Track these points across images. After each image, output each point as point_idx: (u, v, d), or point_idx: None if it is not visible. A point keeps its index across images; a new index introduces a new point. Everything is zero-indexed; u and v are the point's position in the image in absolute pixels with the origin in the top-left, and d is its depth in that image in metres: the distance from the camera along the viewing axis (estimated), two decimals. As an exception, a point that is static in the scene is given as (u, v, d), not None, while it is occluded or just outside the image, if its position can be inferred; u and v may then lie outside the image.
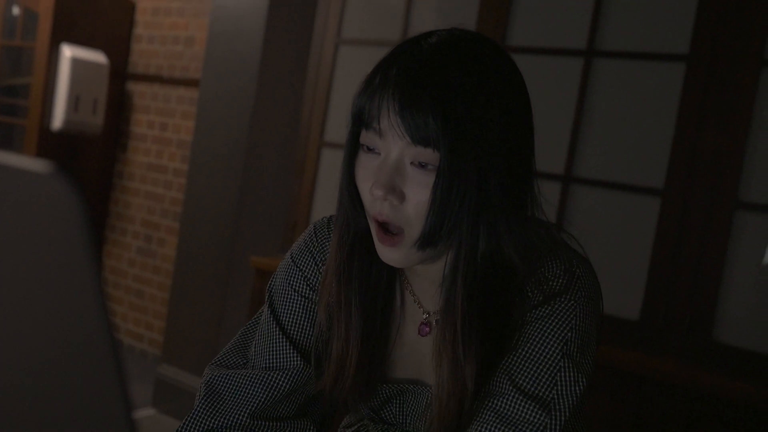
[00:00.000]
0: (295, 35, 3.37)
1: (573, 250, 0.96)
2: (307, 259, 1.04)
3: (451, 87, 0.81)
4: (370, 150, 0.87)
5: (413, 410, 1.02)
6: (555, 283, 0.90)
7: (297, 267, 1.05)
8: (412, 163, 0.84)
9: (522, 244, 0.87)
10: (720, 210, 2.37)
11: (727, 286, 2.38)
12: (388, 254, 0.88)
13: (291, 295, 1.04)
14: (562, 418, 0.87)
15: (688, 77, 2.45)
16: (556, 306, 0.89)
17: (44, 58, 3.94)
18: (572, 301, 0.89)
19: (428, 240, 0.85)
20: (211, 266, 3.39)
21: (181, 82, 4.07)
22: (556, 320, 0.89)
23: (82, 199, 0.38)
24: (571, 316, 0.89)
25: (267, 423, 0.99)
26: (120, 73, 4.29)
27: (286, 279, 1.05)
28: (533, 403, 0.87)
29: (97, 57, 4.05)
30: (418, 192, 0.84)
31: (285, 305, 1.04)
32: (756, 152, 2.35)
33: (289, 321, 1.03)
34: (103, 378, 0.43)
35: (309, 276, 1.04)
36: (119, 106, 4.32)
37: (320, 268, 1.03)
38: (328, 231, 1.05)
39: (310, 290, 1.04)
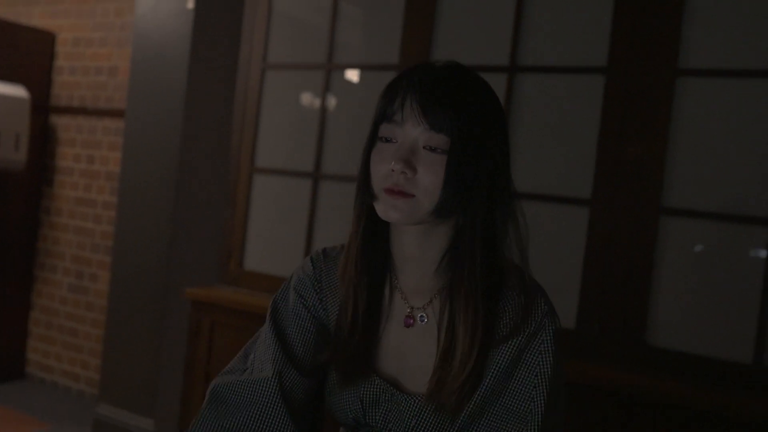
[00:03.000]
0: (220, 62, 3.34)
1: (533, 280, 1.12)
2: (308, 288, 1.19)
3: (461, 91, 1.05)
4: (387, 141, 1.06)
5: (395, 418, 1.12)
6: (525, 318, 1.08)
7: (297, 294, 1.19)
8: (424, 146, 1.04)
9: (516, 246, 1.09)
10: (646, 216, 2.44)
11: (657, 290, 2.44)
12: (393, 212, 1.05)
13: (294, 312, 1.18)
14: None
15: (607, 89, 2.51)
16: (530, 355, 1.07)
17: (-40, 95, 3.81)
18: (543, 345, 1.07)
19: (443, 207, 1.03)
20: (146, 300, 3.31)
21: (107, 113, 3.98)
22: (531, 369, 1.07)
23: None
24: (544, 363, 1.07)
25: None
26: (42, 107, 4.18)
27: (286, 302, 1.20)
28: (514, 418, 1.06)
29: (17, 91, 3.93)
30: (428, 169, 1.03)
31: (288, 320, 1.18)
32: (676, 158, 2.42)
33: (291, 334, 1.17)
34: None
35: (308, 302, 1.19)
36: (43, 141, 4.20)
37: (320, 295, 1.19)
38: (325, 261, 1.21)
39: (307, 312, 1.19)
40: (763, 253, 2.30)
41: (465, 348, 1.04)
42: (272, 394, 1.11)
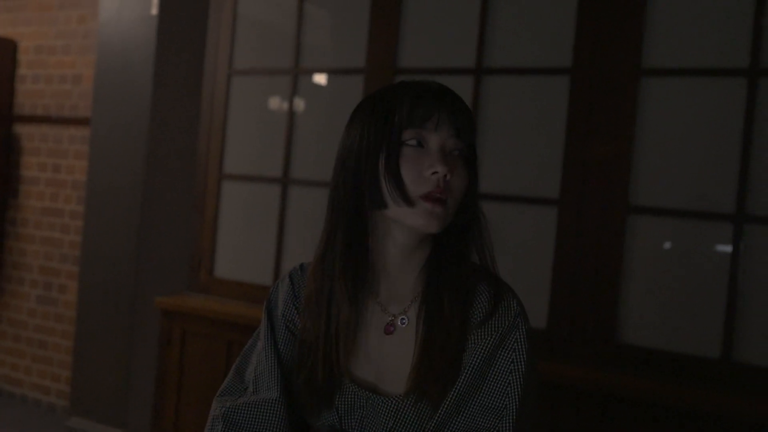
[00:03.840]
0: (186, 68, 3.31)
1: (502, 281, 1.14)
2: (288, 306, 1.21)
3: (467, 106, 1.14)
4: (415, 146, 1.08)
5: (372, 422, 1.12)
6: (496, 307, 1.10)
7: (281, 314, 1.21)
8: (449, 151, 1.09)
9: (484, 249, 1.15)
10: (613, 215, 2.46)
11: (626, 288, 2.46)
12: (433, 219, 1.06)
13: (281, 332, 1.21)
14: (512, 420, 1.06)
15: (573, 89, 2.53)
16: (504, 353, 1.08)
17: None
18: (517, 343, 1.09)
19: (467, 212, 1.11)
20: (115, 310, 3.27)
21: (72, 122, 3.92)
22: (505, 366, 1.08)
23: None
24: (518, 361, 1.08)
25: None
26: (5, 116, 4.10)
27: (276, 318, 1.22)
28: (489, 414, 1.07)
29: (-22, 101, 3.86)
30: (458, 174, 1.08)
31: (278, 338, 1.20)
32: (641, 157, 2.45)
33: (282, 350, 1.19)
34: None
35: (290, 321, 1.21)
36: (7, 150, 4.13)
37: (299, 310, 1.20)
38: (302, 276, 1.23)
39: (289, 332, 1.21)
40: (728, 249, 2.33)
41: (444, 333, 1.07)
42: (281, 415, 1.15)
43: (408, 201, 1.06)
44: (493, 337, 1.08)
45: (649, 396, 2.23)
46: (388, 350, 1.14)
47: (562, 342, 2.50)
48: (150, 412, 3.24)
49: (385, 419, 1.11)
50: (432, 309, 1.10)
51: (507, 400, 1.07)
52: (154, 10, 3.19)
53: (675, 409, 2.20)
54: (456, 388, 1.07)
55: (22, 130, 4.13)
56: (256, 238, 3.24)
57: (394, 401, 1.10)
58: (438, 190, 1.05)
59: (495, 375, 1.08)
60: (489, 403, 1.07)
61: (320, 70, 3.16)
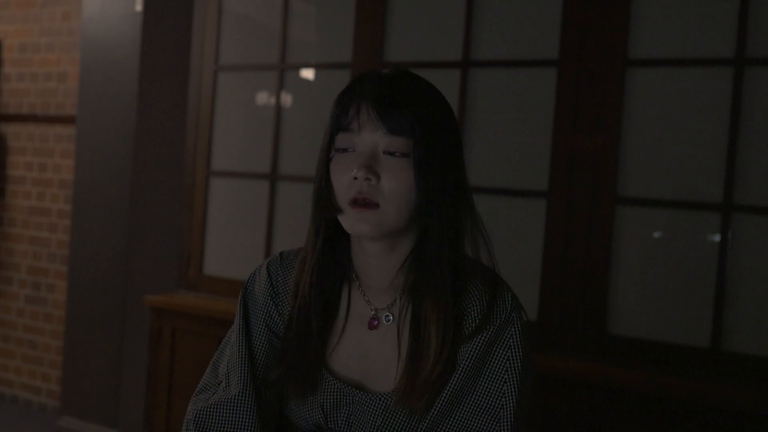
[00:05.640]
0: (171, 64, 3.29)
1: (496, 275, 1.11)
2: (266, 299, 1.18)
3: (414, 93, 1.05)
4: (344, 151, 1.04)
5: (359, 420, 1.09)
6: (490, 313, 1.07)
7: (257, 307, 1.18)
8: (384, 151, 1.02)
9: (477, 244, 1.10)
10: (602, 206, 2.46)
11: (616, 279, 2.46)
12: (362, 224, 1.03)
13: (255, 326, 1.18)
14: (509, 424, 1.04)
15: (560, 81, 2.53)
16: (499, 350, 1.06)
17: None
18: (512, 340, 1.06)
19: (419, 213, 1.04)
20: (105, 309, 3.26)
21: (58, 120, 3.90)
22: (500, 364, 1.06)
23: None
24: (514, 359, 1.06)
25: None
26: (-10, 115, 4.08)
27: (250, 311, 1.19)
28: (485, 415, 1.05)
29: (-38, 100, 3.83)
30: (392, 175, 1.02)
31: (253, 332, 1.17)
32: (629, 147, 2.45)
33: (256, 345, 1.16)
34: None
35: (266, 315, 1.18)
36: (-8, 150, 4.11)
37: (275, 301, 1.17)
38: (281, 266, 1.19)
39: (266, 327, 1.18)
40: (716, 238, 2.33)
41: (436, 347, 1.03)
42: (251, 411, 1.12)
43: (337, 209, 1.05)
44: (488, 332, 1.06)
45: (640, 386, 2.24)
46: (372, 346, 1.12)
47: (553, 333, 2.50)
48: (141, 411, 3.23)
49: (373, 417, 1.08)
50: (417, 311, 1.06)
51: (503, 400, 1.04)
52: (139, 7, 3.17)
53: (665, 398, 2.21)
54: (449, 387, 1.04)
55: (7, 129, 4.10)
56: (245, 235, 3.23)
57: (382, 399, 1.07)
58: (359, 195, 1.02)
59: (490, 373, 1.05)
60: (484, 403, 1.05)
61: (307, 65, 3.15)
